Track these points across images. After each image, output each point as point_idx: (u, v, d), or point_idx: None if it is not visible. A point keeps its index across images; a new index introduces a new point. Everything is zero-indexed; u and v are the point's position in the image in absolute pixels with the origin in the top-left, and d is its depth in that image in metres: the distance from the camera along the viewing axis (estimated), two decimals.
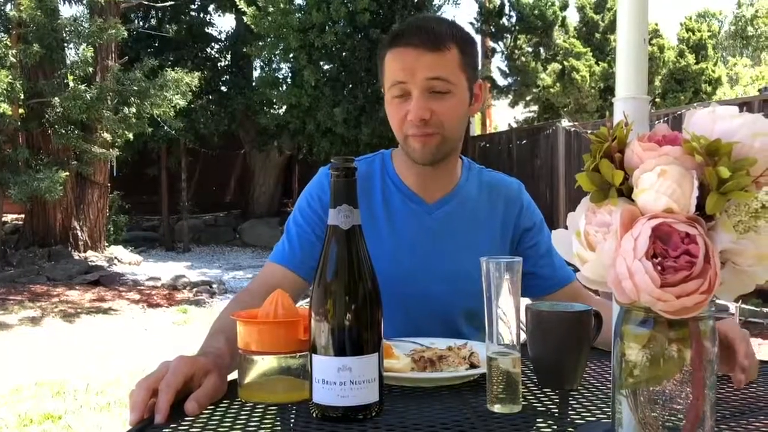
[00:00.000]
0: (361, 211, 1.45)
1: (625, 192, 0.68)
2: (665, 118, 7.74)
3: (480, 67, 1.56)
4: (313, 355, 0.92)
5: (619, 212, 0.66)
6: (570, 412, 0.96)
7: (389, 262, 1.36)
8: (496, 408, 0.96)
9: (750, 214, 0.65)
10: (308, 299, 0.97)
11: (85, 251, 9.53)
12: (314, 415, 0.92)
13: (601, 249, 0.67)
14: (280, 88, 11.21)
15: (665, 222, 0.63)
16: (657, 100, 13.84)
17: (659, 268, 0.62)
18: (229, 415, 0.95)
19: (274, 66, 11.75)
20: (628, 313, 0.71)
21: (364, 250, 0.96)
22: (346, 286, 0.93)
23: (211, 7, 13.27)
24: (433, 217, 1.44)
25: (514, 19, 14.22)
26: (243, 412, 0.97)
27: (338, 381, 0.89)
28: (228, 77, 13.07)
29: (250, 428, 0.90)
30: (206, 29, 13.24)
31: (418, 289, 1.39)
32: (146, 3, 10.96)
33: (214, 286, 8.13)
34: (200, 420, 0.93)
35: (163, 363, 0.99)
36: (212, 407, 0.99)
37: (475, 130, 15.55)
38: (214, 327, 1.19)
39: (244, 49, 11.13)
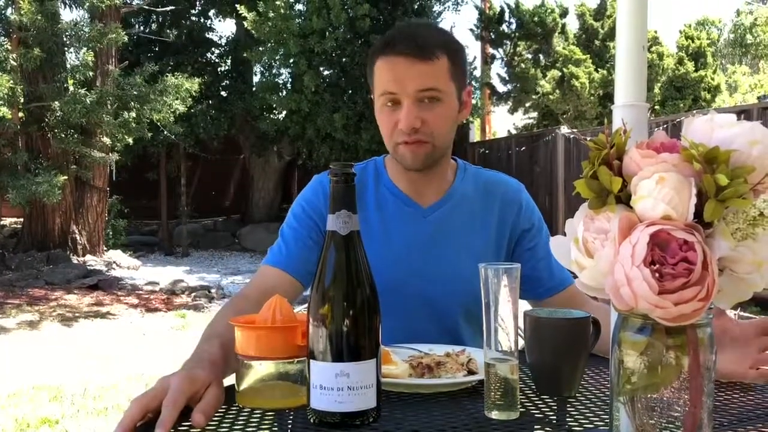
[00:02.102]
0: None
1: (624, 199, 0.68)
2: (664, 125, 7.75)
3: (476, 74, 1.56)
4: (311, 360, 0.92)
5: (618, 219, 0.66)
6: (568, 420, 0.96)
7: (386, 266, 1.36)
8: (494, 414, 0.96)
9: (748, 221, 0.65)
10: (306, 305, 0.97)
11: (83, 255, 9.52)
12: (312, 421, 0.92)
13: (599, 256, 0.67)
14: (280, 94, 11.24)
15: (663, 229, 0.63)
16: (656, 107, 13.87)
17: (657, 275, 0.62)
18: (226, 421, 0.95)
19: (274, 71, 11.77)
20: (625, 320, 0.71)
21: (363, 255, 0.96)
22: (345, 291, 0.92)
23: (211, 12, 13.30)
24: (428, 221, 1.45)
25: (513, 26, 14.24)
26: (240, 418, 0.96)
27: (336, 387, 0.89)
28: (228, 82, 13.08)
29: None
30: (206, 34, 13.27)
31: (416, 292, 1.40)
32: (147, 8, 10.98)
33: (213, 291, 8.12)
34: None
35: (161, 379, 0.96)
36: None
37: (475, 136, 15.56)
38: (207, 331, 1.18)
39: (244, 54, 11.16)
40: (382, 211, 1.45)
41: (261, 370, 1.01)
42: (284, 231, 1.45)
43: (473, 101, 1.46)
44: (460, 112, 1.43)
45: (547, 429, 0.92)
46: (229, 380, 1.07)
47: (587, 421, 0.95)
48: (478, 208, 1.48)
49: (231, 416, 0.97)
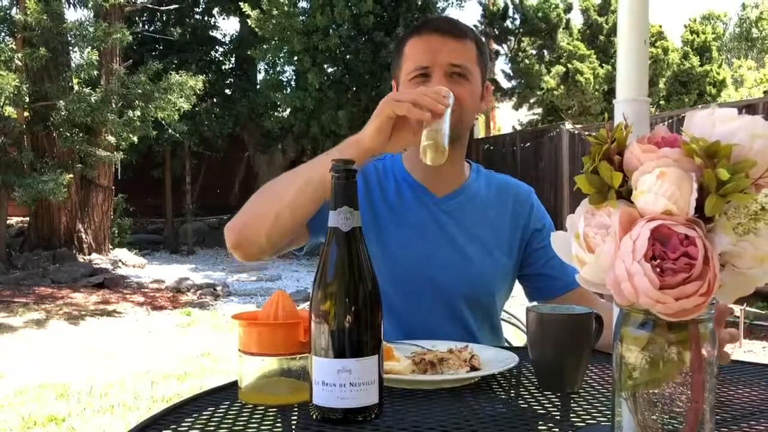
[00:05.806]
0: (376, 200, 1.48)
1: (624, 194, 0.68)
2: (669, 121, 7.73)
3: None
4: (313, 356, 0.92)
5: (618, 214, 0.66)
6: (571, 415, 0.96)
7: (397, 249, 1.41)
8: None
9: (749, 216, 0.64)
10: (308, 301, 0.97)
11: (89, 254, 9.55)
12: (314, 416, 0.92)
13: (600, 251, 0.67)
14: (284, 91, 11.24)
15: (664, 224, 0.63)
16: (661, 102, 13.82)
17: (658, 270, 0.62)
18: (228, 417, 0.95)
19: (278, 69, 11.77)
20: (627, 315, 0.71)
21: (365, 252, 0.96)
22: (346, 288, 0.92)
23: (215, 10, 13.31)
24: (442, 209, 1.48)
25: (518, 22, 14.22)
26: (243, 414, 0.97)
27: (338, 383, 0.89)
28: (232, 80, 13.10)
29: (250, 430, 0.90)
30: (210, 32, 13.28)
31: (426, 276, 1.42)
32: (151, 6, 11.00)
33: (218, 288, 8.14)
34: (200, 422, 0.93)
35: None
36: (212, 408, 0.99)
37: (479, 132, 15.55)
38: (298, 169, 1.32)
39: (248, 52, 11.16)
40: (400, 197, 1.48)
41: (263, 366, 1.01)
42: None
43: None
44: (480, 102, 1.47)
45: (550, 425, 0.92)
46: (233, 376, 1.07)
47: (590, 417, 0.95)
48: (492, 207, 1.52)
49: (233, 412, 0.97)
